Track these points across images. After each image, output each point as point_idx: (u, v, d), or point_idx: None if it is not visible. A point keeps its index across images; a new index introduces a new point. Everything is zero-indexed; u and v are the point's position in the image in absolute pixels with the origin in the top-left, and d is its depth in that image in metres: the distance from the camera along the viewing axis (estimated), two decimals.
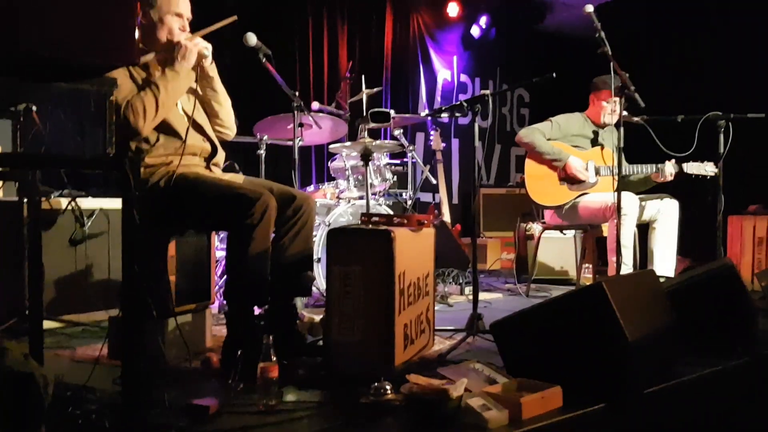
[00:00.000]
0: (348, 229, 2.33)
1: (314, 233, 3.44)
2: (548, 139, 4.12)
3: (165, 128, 2.41)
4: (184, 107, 2.48)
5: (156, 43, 2.44)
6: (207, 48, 2.44)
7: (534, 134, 4.13)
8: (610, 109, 4.09)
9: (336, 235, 2.20)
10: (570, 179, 4.06)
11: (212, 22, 2.50)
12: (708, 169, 3.83)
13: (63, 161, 1.74)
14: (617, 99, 3.31)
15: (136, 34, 1.57)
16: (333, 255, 2.17)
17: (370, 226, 2.31)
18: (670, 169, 3.87)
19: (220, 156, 2.62)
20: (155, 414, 1.73)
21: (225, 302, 3.46)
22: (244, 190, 2.31)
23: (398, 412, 1.80)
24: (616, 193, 3.17)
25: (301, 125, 3.68)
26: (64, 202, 3.14)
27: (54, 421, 1.55)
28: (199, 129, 2.53)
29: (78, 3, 1.50)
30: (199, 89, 2.57)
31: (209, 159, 2.57)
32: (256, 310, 2.46)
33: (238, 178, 2.66)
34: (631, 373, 1.93)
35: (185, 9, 2.46)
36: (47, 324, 2.58)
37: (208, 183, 2.40)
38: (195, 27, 2.51)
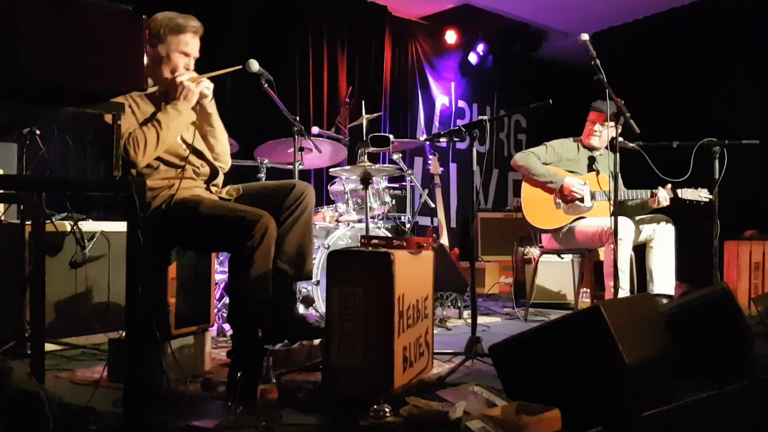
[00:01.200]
0: (348, 251, 2.35)
1: (313, 256, 3.46)
2: (544, 163, 4.17)
3: (165, 156, 2.47)
4: (184, 135, 2.55)
5: (159, 78, 2.52)
6: (208, 87, 2.52)
7: (529, 158, 4.17)
8: (602, 135, 4.15)
9: (336, 257, 2.22)
10: (567, 199, 4.09)
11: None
12: (702, 195, 3.87)
13: (69, 183, 1.76)
14: (611, 123, 3.36)
15: (145, 60, 1.61)
16: (333, 277, 2.19)
17: (370, 248, 2.33)
18: (664, 194, 3.92)
19: (220, 178, 2.68)
20: None
21: (224, 325, 3.49)
22: (243, 212, 2.34)
23: None
24: (611, 218, 3.20)
25: (301, 149, 3.72)
26: (65, 225, 3.16)
27: None
28: (198, 154, 2.59)
29: (85, 29, 1.53)
30: (197, 124, 2.63)
31: (209, 181, 2.62)
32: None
33: (235, 188, 2.69)
34: (629, 396, 1.94)
35: (193, 49, 2.54)
36: (47, 346, 2.57)
37: (209, 206, 2.43)
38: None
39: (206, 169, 2.61)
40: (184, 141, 2.54)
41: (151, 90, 2.49)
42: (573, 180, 4.07)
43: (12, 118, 1.88)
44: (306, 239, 2.57)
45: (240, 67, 2.56)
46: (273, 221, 2.33)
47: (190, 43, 2.52)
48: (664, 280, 3.88)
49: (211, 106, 2.61)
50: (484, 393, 2.06)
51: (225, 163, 2.75)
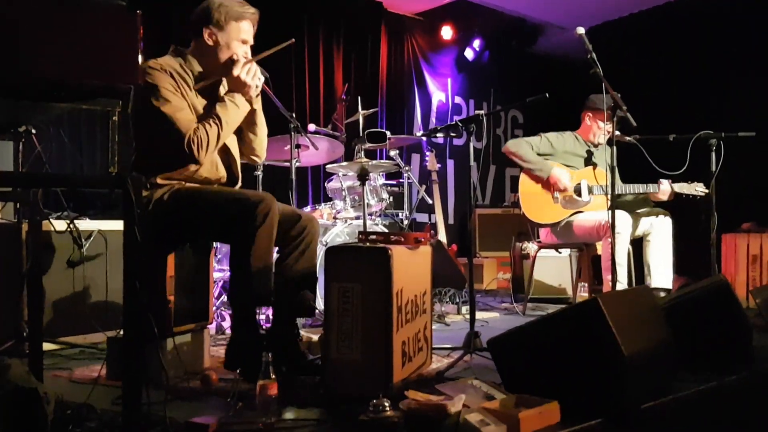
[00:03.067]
0: (346, 247, 2.35)
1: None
2: (537, 154, 4.17)
3: None
4: None
5: (215, 65, 2.48)
6: (260, 79, 2.47)
7: (521, 145, 4.17)
8: (605, 130, 4.15)
9: (334, 253, 2.22)
10: (557, 190, 4.09)
11: None
12: (698, 189, 3.89)
13: (65, 180, 1.76)
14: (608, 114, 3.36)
15: (139, 58, 1.61)
16: (331, 273, 2.19)
17: (368, 244, 2.33)
18: (666, 188, 3.92)
19: (236, 186, 2.63)
20: None
21: (223, 323, 3.49)
22: (246, 194, 2.33)
23: (397, 429, 1.81)
24: (609, 212, 3.20)
25: (298, 146, 3.72)
26: (62, 224, 3.15)
27: None
28: (228, 159, 2.55)
29: (79, 24, 1.53)
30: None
31: (222, 185, 2.58)
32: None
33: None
34: (628, 388, 1.95)
35: (250, 36, 2.50)
36: (45, 346, 2.57)
37: (210, 192, 2.42)
38: None
39: (224, 175, 2.56)
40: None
41: (206, 83, 2.45)
42: (561, 173, 4.06)
43: (7, 115, 1.88)
44: (309, 275, 2.53)
45: (293, 40, 2.51)
46: (275, 202, 2.31)
47: (249, 30, 2.48)
48: (661, 274, 3.89)
49: (257, 102, 2.56)
50: (483, 386, 2.06)
51: (260, 156, 2.73)
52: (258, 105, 2.58)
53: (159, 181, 2.38)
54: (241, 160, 2.68)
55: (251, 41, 2.51)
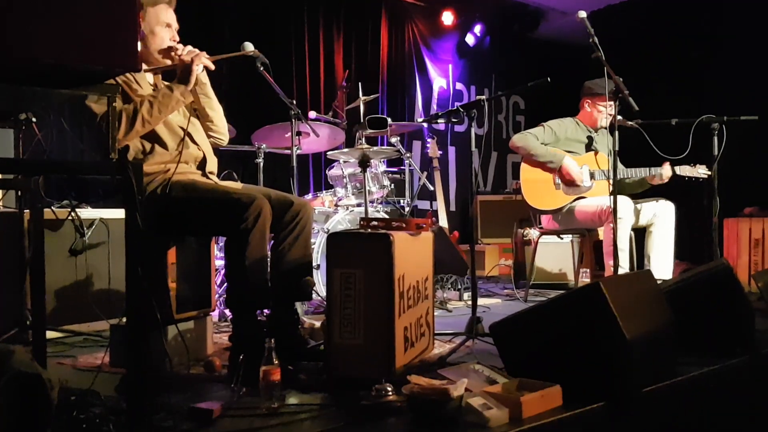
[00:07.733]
0: (348, 233, 2.35)
1: (313, 240, 3.45)
2: (542, 144, 4.16)
3: (158, 138, 2.45)
4: (176, 119, 2.51)
5: (150, 56, 2.50)
6: (207, 57, 2.47)
7: (527, 138, 4.17)
8: (606, 113, 4.14)
9: (336, 240, 2.22)
10: (566, 182, 4.09)
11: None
12: (701, 171, 3.88)
13: (65, 166, 1.75)
14: (612, 103, 3.35)
15: (138, 45, 1.59)
16: (333, 259, 2.19)
17: (369, 230, 2.33)
18: (664, 171, 3.91)
19: (212, 163, 2.65)
20: (159, 418, 1.74)
21: (225, 310, 3.50)
22: (237, 195, 2.33)
23: (400, 413, 1.82)
24: (611, 197, 3.20)
25: (298, 134, 3.71)
26: (64, 212, 3.15)
27: (60, 425, 1.56)
28: (190, 138, 2.56)
29: (77, 8, 1.52)
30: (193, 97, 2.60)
31: (202, 166, 2.59)
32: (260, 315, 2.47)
33: (236, 186, 2.68)
34: (630, 371, 1.95)
35: (173, 19, 2.53)
36: (48, 334, 2.58)
37: (203, 190, 2.42)
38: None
39: (199, 153, 2.58)
40: (179, 124, 2.52)
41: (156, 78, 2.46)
42: (571, 163, 4.06)
43: (7, 103, 1.87)
44: (305, 260, 2.53)
45: (251, 53, 2.55)
46: (267, 203, 2.32)
47: (169, 13, 2.50)
48: (661, 266, 3.88)
49: (204, 76, 2.57)
50: (485, 371, 2.07)
51: (223, 134, 2.74)
52: (206, 79, 2.59)
53: (145, 168, 2.36)
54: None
55: (175, 24, 2.54)
